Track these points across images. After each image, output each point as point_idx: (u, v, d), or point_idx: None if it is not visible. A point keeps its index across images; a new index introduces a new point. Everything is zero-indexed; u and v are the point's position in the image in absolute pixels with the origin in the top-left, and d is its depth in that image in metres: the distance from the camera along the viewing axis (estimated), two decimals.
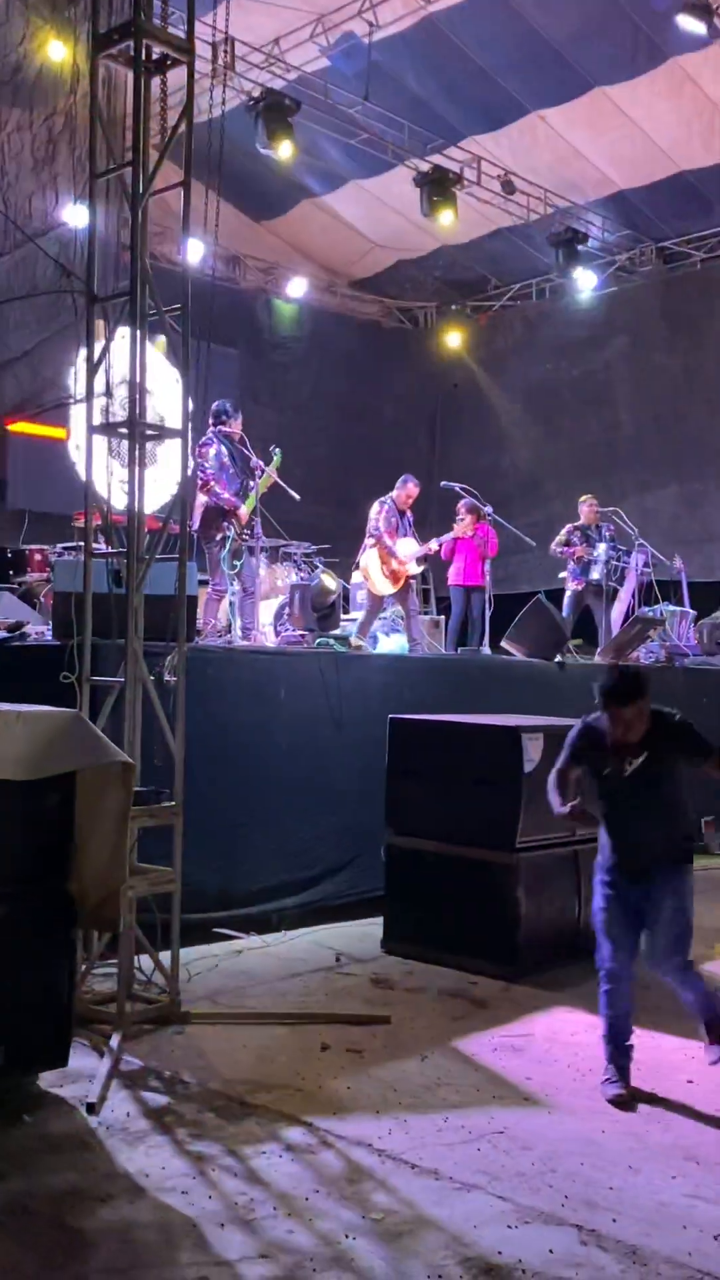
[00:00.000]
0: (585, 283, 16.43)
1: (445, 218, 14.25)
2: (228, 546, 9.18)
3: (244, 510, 9.31)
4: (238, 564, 9.25)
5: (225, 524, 9.23)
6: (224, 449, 9.43)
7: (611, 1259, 3.45)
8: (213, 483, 9.29)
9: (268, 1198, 3.79)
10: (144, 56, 5.74)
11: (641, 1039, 5.44)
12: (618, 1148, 4.26)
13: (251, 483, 9.45)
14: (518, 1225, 3.64)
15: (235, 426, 9.59)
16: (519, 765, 6.54)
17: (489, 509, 11.47)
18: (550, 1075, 5.00)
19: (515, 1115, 4.56)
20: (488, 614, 11.23)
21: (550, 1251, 3.47)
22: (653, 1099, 4.75)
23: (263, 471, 9.50)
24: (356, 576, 11.32)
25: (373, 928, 7.16)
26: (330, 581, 10.17)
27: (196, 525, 9.32)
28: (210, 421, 9.57)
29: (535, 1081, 4.92)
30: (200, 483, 9.32)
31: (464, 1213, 3.71)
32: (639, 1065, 5.10)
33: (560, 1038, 5.49)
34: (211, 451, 9.38)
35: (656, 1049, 5.33)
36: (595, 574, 12.16)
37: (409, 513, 10.95)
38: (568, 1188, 3.90)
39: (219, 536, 9.24)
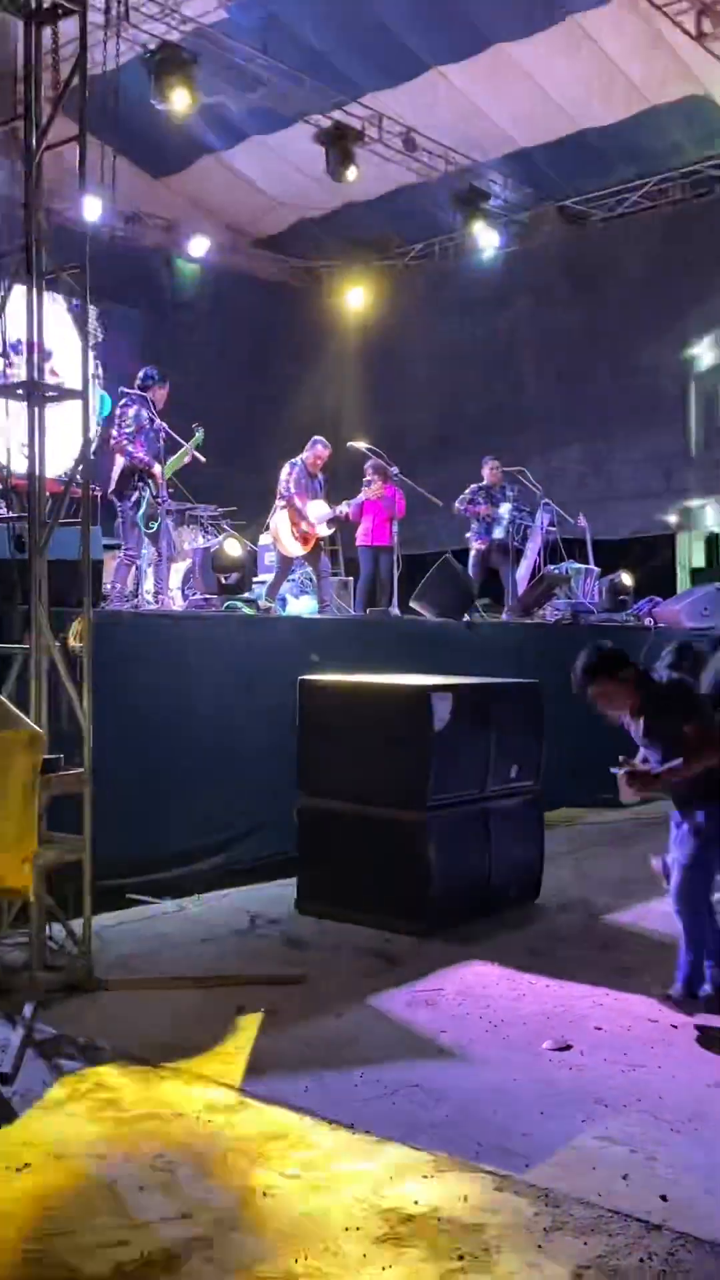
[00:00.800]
0: (487, 241, 16.43)
1: (348, 175, 14.14)
2: (143, 509, 9.08)
3: (158, 470, 9.23)
4: (154, 525, 9.16)
5: (140, 484, 9.14)
6: (144, 411, 9.35)
7: (525, 1203, 3.53)
8: (125, 442, 9.20)
9: (186, 1159, 3.81)
10: (34, 5, 5.59)
11: (551, 988, 5.59)
12: (529, 1095, 4.35)
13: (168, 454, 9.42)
14: (433, 1175, 3.70)
15: (158, 395, 9.51)
16: (429, 724, 6.60)
17: (395, 469, 11.49)
18: (463, 1028, 5.09)
19: (429, 1068, 4.64)
20: (396, 574, 11.28)
21: (465, 1199, 3.54)
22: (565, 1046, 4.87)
23: (167, 435, 9.42)
24: (266, 538, 11.27)
25: (286, 889, 7.19)
26: (233, 549, 10.09)
27: (112, 486, 9.23)
28: (137, 385, 9.50)
29: (448, 1035, 5.00)
30: (114, 441, 9.24)
31: (381, 1165, 3.77)
32: (548, 1015, 5.22)
33: (473, 991, 5.58)
34: (131, 412, 9.33)
35: (566, 997, 5.46)
36: (499, 533, 12.27)
37: (320, 475, 10.93)
38: (481, 1136, 3.98)
39: (134, 497, 9.14)
